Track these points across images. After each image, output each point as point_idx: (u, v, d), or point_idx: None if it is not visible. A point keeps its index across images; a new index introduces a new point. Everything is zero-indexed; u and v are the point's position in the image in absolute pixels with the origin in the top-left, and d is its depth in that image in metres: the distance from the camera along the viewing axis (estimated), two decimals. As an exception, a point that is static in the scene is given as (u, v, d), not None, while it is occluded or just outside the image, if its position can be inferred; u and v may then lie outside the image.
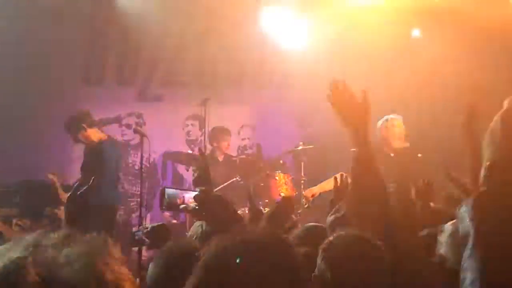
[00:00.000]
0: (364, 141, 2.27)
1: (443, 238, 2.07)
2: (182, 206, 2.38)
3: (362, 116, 2.29)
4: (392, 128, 6.01)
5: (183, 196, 2.42)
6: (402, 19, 7.28)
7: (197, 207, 2.23)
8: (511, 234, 1.06)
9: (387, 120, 6.04)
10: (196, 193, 2.28)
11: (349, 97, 2.31)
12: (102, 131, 6.19)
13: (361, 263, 1.91)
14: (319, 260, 1.97)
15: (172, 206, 2.44)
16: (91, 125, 5.97)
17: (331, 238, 2.03)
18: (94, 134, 6.00)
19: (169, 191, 2.47)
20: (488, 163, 1.21)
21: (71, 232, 0.99)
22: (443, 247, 2.05)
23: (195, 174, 2.38)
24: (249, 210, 2.72)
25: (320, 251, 1.98)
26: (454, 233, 1.86)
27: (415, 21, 7.69)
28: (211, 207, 2.23)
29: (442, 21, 7.14)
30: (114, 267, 0.94)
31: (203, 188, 2.27)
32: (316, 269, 1.95)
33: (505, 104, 1.34)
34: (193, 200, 2.29)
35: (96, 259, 0.92)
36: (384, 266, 1.90)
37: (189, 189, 2.44)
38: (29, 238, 0.95)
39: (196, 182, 2.33)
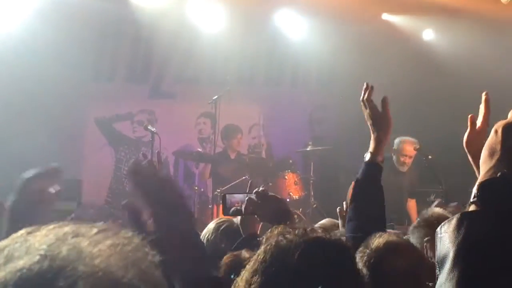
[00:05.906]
0: (381, 152, 2.35)
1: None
2: (239, 208, 2.49)
3: (388, 127, 2.35)
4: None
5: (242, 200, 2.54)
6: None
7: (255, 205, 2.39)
8: (497, 261, 0.96)
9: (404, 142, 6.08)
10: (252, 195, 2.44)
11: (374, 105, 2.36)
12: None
13: (409, 269, 1.98)
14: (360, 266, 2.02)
15: (236, 211, 2.54)
16: None
17: (374, 246, 2.04)
18: None
19: (228, 197, 2.59)
20: (480, 181, 1.06)
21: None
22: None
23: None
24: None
25: (361, 256, 2.00)
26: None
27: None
28: (270, 204, 2.43)
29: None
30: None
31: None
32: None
33: (510, 115, 1.15)
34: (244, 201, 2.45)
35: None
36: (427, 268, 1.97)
37: (244, 192, 2.58)
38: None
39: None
